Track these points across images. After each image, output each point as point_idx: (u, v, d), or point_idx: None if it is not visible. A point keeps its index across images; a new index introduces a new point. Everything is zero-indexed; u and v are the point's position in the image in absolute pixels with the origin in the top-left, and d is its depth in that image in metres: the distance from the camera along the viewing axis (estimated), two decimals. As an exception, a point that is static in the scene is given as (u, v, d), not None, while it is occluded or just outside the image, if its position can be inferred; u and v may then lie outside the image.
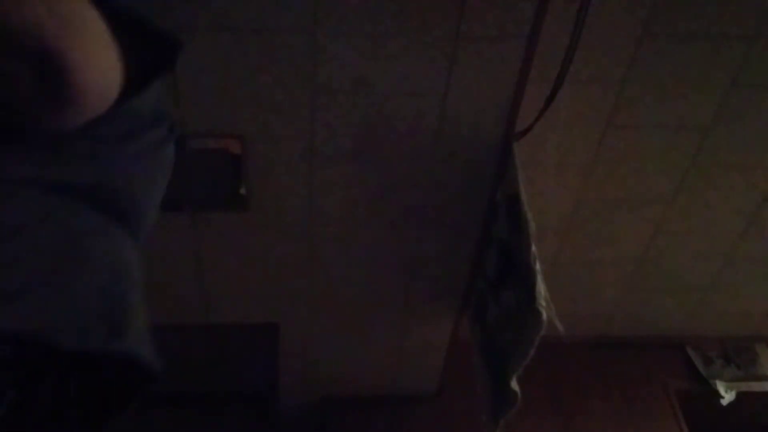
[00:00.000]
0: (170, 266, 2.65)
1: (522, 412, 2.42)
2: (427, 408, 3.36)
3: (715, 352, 3.53)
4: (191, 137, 2.24)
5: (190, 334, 3.11)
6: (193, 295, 2.79)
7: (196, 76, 2.09)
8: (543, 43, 2.10)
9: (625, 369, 3.47)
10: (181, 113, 2.17)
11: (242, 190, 2.39)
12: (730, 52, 2.32)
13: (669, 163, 2.67)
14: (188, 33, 2.00)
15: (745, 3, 2.20)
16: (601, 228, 2.90)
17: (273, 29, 2.01)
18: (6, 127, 0.67)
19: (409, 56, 2.11)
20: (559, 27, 2.09)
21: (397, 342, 3.14)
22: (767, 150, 2.67)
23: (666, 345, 3.52)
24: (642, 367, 3.48)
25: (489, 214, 2.54)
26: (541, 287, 2.12)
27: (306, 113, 2.23)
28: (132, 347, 0.75)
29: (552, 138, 2.49)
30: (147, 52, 0.74)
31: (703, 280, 3.23)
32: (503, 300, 2.46)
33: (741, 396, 3.38)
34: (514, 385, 2.35)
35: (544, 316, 2.09)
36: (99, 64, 0.65)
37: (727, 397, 3.36)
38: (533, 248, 2.15)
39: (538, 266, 2.15)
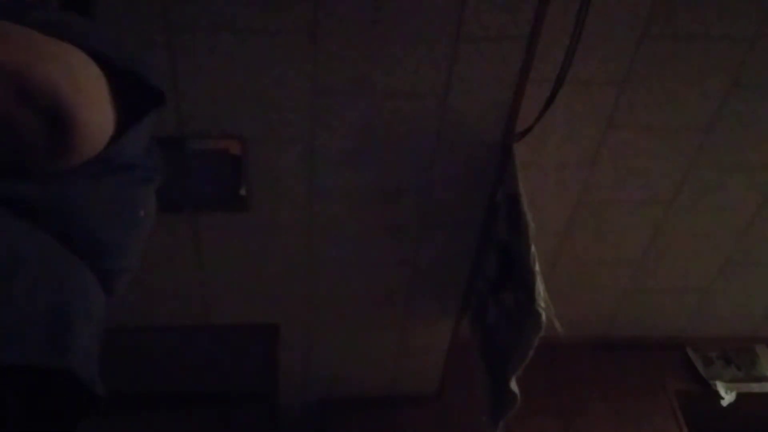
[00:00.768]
0: (170, 266, 2.64)
1: (522, 412, 2.42)
2: (427, 409, 3.36)
3: (715, 352, 3.53)
4: (191, 137, 2.24)
5: (190, 334, 3.11)
6: (193, 296, 2.79)
7: (196, 76, 2.09)
8: (543, 43, 2.10)
9: (625, 370, 3.46)
10: (181, 113, 2.17)
11: (242, 191, 2.39)
12: (730, 52, 2.32)
13: (669, 163, 2.67)
14: (188, 33, 2.00)
15: (745, 3, 2.20)
16: (601, 228, 2.90)
17: (273, 29, 2.02)
18: None
19: (409, 56, 2.11)
20: (559, 27, 2.09)
21: (397, 342, 3.14)
22: (767, 150, 2.67)
23: (666, 346, 3.51)
24: (642, 367, 3.47)
25: (489, 214, 2.54)
26: (540, 288, 2.12)
27: (306, 114, 2.23)
28: (73, 365, 0.74)
29: (552, 138, 2.49)
30: (134, 98, 0.79)
31: (703, 281, 3.23)
32: (503, 301, 2.46)
33: (741, 397, 3.38)
34: (514, 386, 2.35)
35: (544, 317, 2.09)
36: (100, 121, 0.72)
37: (727, 397, 3.36)
38: (533, 249, 2.15)
39: (537, 267, 2.15)
